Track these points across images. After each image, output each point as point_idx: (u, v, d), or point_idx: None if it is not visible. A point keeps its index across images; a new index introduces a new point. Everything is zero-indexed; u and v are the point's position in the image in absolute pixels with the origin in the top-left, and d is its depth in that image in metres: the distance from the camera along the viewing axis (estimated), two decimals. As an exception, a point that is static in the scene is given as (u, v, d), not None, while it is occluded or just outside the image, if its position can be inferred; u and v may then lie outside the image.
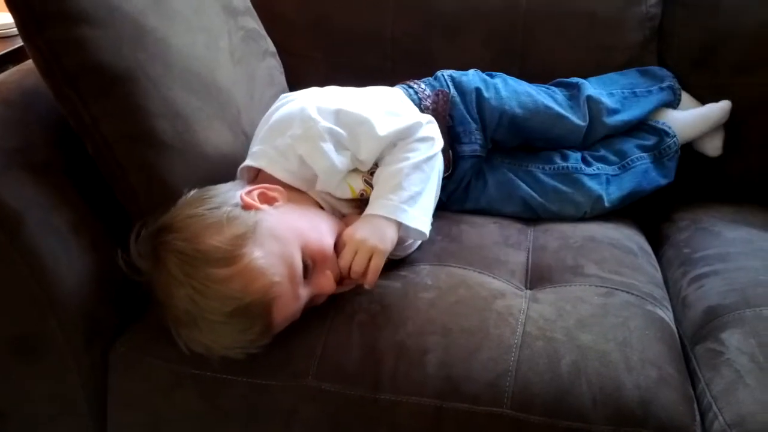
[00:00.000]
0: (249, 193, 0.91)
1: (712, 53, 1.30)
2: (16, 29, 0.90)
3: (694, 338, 0.96)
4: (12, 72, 1.02)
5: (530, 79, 1.29)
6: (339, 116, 0.97)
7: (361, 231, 0.91)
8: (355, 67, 1.38)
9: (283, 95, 1.09)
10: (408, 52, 1.37)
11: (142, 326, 0.95)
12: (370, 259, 0.90)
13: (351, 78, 1.24)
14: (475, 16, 1.35)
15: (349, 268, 0.91)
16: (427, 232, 0.96)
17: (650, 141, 1.24)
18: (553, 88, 1.26)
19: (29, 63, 0.94)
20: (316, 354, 0.88)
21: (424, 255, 1.02)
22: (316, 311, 0.92)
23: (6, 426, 0.96)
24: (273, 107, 1.06)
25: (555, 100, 1.22)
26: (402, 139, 0.99)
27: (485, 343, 0.88)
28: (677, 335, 0.96)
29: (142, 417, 0.94)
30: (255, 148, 1.00)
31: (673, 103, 1.29)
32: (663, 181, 1.21)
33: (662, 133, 1.24)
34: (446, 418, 0.84)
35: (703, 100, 1.31)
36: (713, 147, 1.29)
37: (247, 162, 0.99)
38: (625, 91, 1.26)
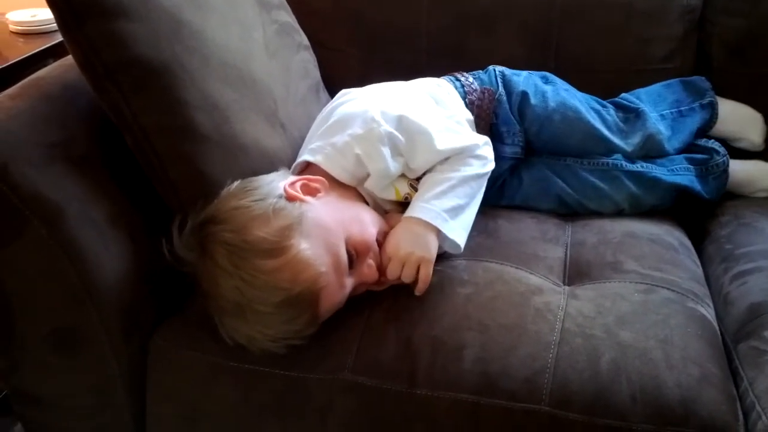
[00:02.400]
0: (292, 184, 0.92)
1: (753, 43, 1.28)
2: (56, 25, 0.91)
3: (736, 336, 0.94)
4: (53, 67, 1.03)
5: (566, 72, 1.28)
6: (401, 122, 0.97)
7: (405, 244, 0.92)
8: (389, 61, 1.37)
9: (343, 91, 1.09)
10: (442, 46, 1.36)
11: (180, 318, 0.96)
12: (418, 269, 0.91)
13: (385, 71, 1.24)
14: (510, 9, 1.33)
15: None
16: (462, 247, 0.96)
17: (699, 156, 1.20)
18: (609, 106, 1.21)
19: (70, 58, 0.95)
20: (352, 348, 0.88)
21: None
22: (353, 306, 0.92)
23: (47, 416, 0.98)
24: (332, 104, 1.07)
25: (604, 122, 1.17)
26: (457, 154, 0.99)
27: (523, 340, 0.87)
28: (719, 333, 0.94)
29: (179, 408, 0.95)
30: (313, 144, 1.01)
31: (711, 122, 1.26)
32: (705, 196, 1.17)
33: (712, 152, 1.20)
34: (483, 414, 0.84)
35: (742, 90, 1.29)
36: (753, 143, 1.27)
37: (305, 157, 0.99)
38: (673, 111, 1.23)
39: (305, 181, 0.94)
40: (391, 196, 1.00)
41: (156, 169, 0.93)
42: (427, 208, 0.93)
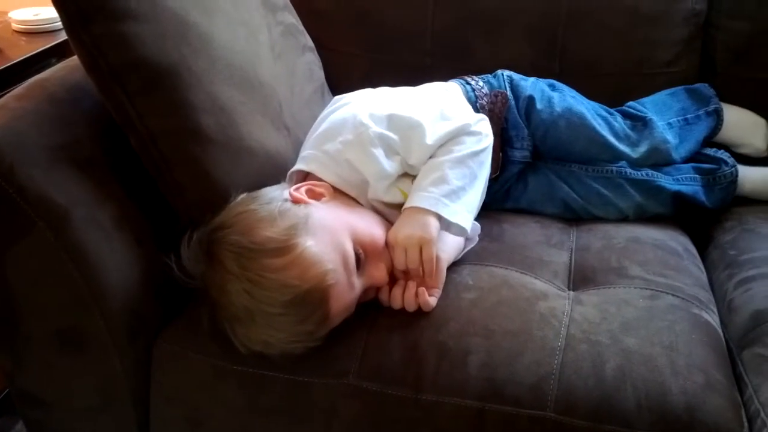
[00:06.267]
0: (297, 189, 0.93)
1: (758, 48, 1.28)
2: (59, 24, 0.91)
3: (741, 343, 0.93)
4: (58, 68, 1.03)
5: (571, 75, 1.28)
6: (391, 121, 0.98)
7: (403, 229, 0.91)
8: (394, 63, 1.37)
9: (336, 97, 1.09)
10: (448, 48, 1.36)
11: (185, 321, 0.96)
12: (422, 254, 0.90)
13: (390, 74, 1.24)
14: (516, 12, 1.33)
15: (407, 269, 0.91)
16: (469, 229, 0.95)
17: (706, 166, 1.19)
18: (617, 114, 1.21)
19: (74, 59, 0.94)
20: (357, 353, 0.88)
21: (465, 254, 1.01)
22: (358, 311, 0.91)
23: (51, 417, 0.98)
24: (326, 111, 1.07)
25: (610, 128, 1.17)
26: (450, 137, 0.98)
27: (528, 346, 0.87)
28: (724, 339, 0.94)
29: (183, 411, 0.95)
30: (305, 152, 1.01)
31: (717, 129, 1.26)
32: (708, 205, 1.17)
33: (721, 162, 1.19)
34: (488, 420, 0.84)
35: (746, 94, 1.29)
36: (757, 148, 1.27)
37: (298, 166, 1.00)
38: (679, 119, 1.23)
39: (310, 186, 0.95)
40: (398, 198, 0.99)
41: (162, 171, 0.93)
42: (424, 195, 0.92)
